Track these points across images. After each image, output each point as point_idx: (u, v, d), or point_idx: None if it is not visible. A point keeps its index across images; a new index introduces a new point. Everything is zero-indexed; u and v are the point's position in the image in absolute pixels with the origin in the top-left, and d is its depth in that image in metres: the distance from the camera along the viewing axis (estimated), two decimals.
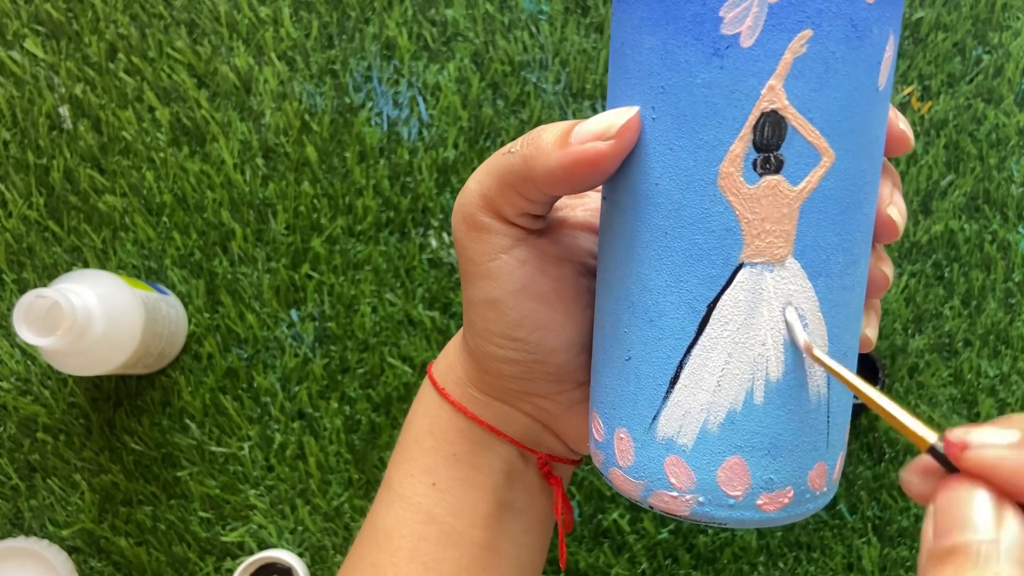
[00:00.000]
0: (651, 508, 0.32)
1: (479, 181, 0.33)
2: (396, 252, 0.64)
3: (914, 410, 0.63)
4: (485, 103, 0.64)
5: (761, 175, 0.28)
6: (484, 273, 0.34)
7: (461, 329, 0.39)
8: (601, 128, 0.29)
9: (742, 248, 0.28)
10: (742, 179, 0.28)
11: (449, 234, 0.64)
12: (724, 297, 0.29)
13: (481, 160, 0.64)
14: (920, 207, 0.63)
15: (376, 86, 0.64)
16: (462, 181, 0.64)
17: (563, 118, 0.64)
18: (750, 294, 0.29)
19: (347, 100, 0.64)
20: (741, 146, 0.28)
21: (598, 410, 0.33)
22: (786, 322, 0.29)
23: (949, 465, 0.23)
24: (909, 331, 0.63)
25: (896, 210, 0.32)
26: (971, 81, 0.63)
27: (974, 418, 0.63)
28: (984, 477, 0.23)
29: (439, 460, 0.38)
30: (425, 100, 0.64)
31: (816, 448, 0.31)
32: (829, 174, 0.28)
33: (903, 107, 0.63)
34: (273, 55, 0.64)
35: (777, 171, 0.28)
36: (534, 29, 0.64)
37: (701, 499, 0.30)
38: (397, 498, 0.38)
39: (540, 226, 0.34)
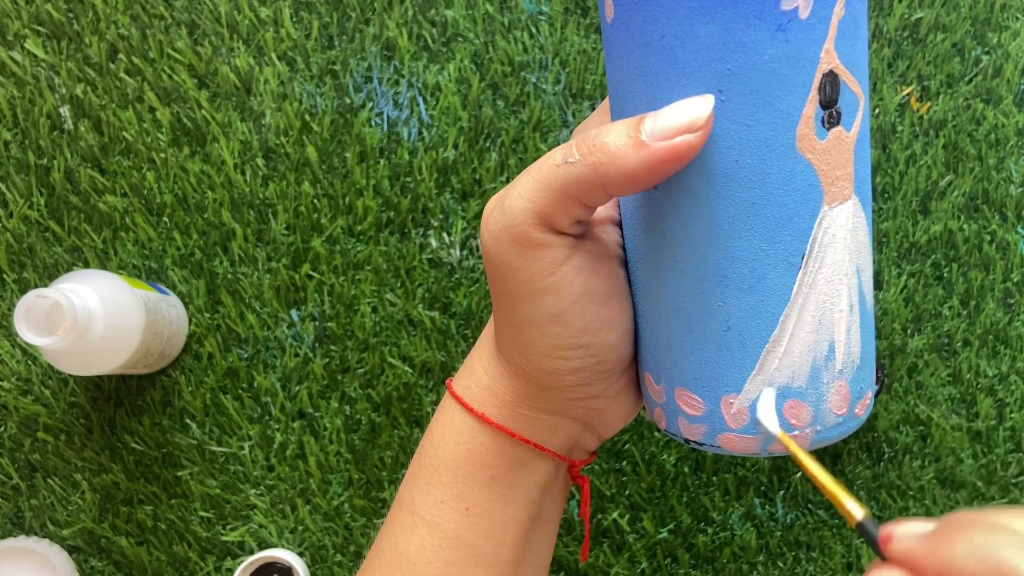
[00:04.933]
0: (769, 455, 0.34)
1: (528, 198, 0.32)
2: (396, 252, 0.64)
3: (913, 410, 0.63)
4: (485, 103, 0.64)
5: (828, 129, 0.31)
6: (544, 289, 0.33)
7: (480, 351, 0.38)
8: (687, 121, 0.29)
9: (823, 197, 0.31)
10: (815, 136, 0.31)
11: (449, 234, 0.64)
12: (815, 245, 0.32)
13: (482, 161, 0.64)
14: (919, 207, 0.63)
15: (376, 86, 0.64)
16: (462, 181, 0.64)
17: (563, 119, 0.64)
18: (832, 236, 0.32)
19: (347, 100, 0.64)
20: (811, 107, 0.30)
21: (690, 387, 0.34)
22: (759, 419, 0.33)
23: (873, 542, 0.29)
24: (908, 331, 0.63)
25: None
26: (970, 81, 0.63)
27: (973, 418, 0.63)
28: (901, 563, 0.27)
29: (474, 484, 0.37)
30: (425, 100, 0.64)
31: (874, 349, 0.35)
32: (863, 114, 0.32)
33: (903, 107, 0.63)
34: (273, 55, 0.64)
35: (838, 122, 0.31)
36: (534, 29, 0.64)
37: (819, 428, 0.33)
38: (423, 524, 0.38)
39: (584, 230, 0.34)
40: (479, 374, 0.38)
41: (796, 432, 0.33)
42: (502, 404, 0.37)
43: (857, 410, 0.34)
